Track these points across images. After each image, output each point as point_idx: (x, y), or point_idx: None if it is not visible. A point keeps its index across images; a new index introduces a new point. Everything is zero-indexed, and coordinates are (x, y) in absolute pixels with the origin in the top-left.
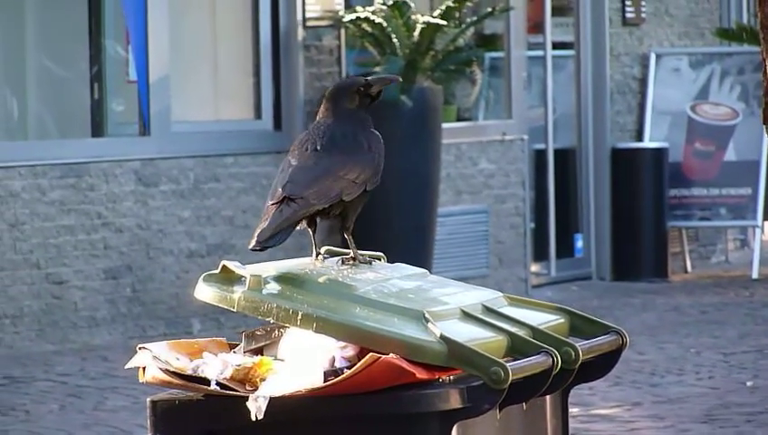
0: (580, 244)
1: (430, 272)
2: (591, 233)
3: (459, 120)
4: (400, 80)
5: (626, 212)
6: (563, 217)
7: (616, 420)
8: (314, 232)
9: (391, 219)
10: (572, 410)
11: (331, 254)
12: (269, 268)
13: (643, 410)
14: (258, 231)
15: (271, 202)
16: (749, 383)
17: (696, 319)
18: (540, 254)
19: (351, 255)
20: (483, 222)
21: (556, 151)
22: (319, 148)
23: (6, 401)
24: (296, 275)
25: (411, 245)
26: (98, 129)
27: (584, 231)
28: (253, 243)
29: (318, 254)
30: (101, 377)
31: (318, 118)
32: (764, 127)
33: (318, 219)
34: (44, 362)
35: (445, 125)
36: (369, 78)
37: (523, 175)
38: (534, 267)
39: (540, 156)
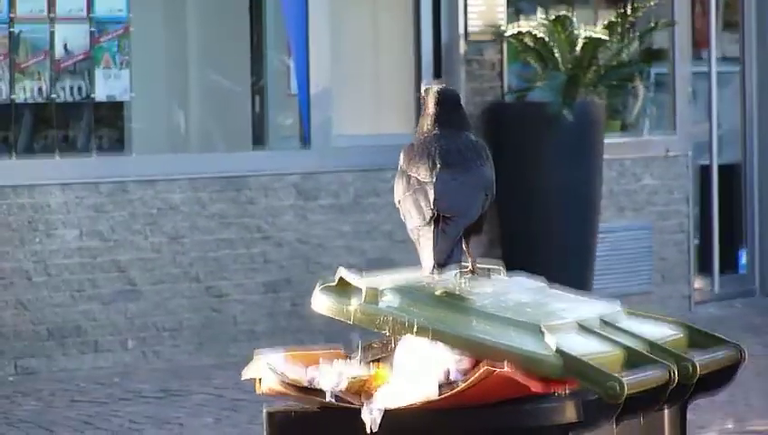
0: (744, 260)
1: (592, 288)
2: (756, 248)
3: (623, 135)
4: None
5: None
6: (728, 233)
7: None
8: (469, 246)
9: (552, 234)
10: (728, 426)
11: (455, 266)
12: (385, 280)
13: None
14: (430, 253)
15: (421, 222)
16: None
17: None
18: (703, 270)
19: (470, 267)
20: (646, 238)
21: (721, 167)
22: (447, 162)
23: (161, 413)
24: (412, 287)
25: (572, 260)
26: (258, 141)
27: (749, 247)
28: (430, 267)
29: (474, 267)
30: None
31: (422, 122)
32: None
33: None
34: (202, 375)
35: (607, 140)
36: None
37: (686, 191)
38: (698, 284)
39: (704, 171)
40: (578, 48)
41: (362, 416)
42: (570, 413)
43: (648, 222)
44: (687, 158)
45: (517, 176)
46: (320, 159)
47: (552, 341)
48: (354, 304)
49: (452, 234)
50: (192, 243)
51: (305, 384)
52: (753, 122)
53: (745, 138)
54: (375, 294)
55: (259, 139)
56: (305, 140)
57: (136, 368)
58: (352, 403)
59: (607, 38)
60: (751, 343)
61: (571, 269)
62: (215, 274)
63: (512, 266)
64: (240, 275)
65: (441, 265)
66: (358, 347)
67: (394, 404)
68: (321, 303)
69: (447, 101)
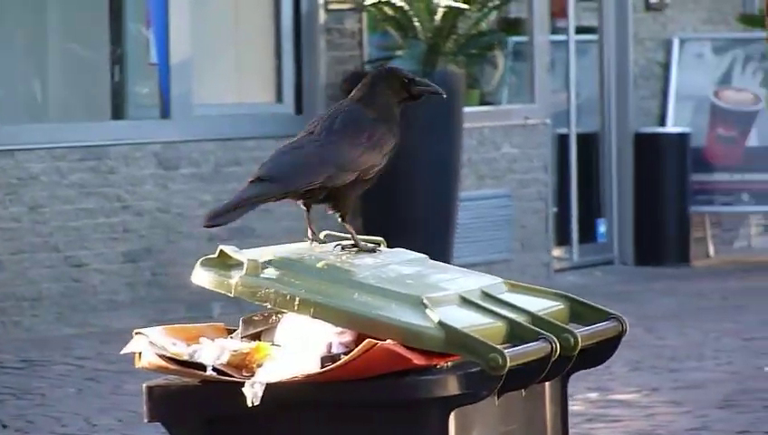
0: (602, 229)
1: (452, 257)
2: (614, 218)
3: (482, 104)
4: (444, 96)
5: (649, 197)
6: (586, 202)
7: (634, 406)
8: (309, 216)
9: (413, 204)
10: (590, 395)
11: (331, 238)
12: (267, 253)
13: (662, 395)
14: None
15: (249, 180)
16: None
17: (718, 304)
18: (562, 238)
19: (351, 241)
20: (505, 206)
21: (579, 136)
22: (321, 131)
23: (23, 384)
24: (294, 260)
25: (433, 229)
26: (118, 111)
27: (607, 216)
28: (204, 221)
29: (315, 239)
30: (120, 361)
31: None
32: None
33: (302, 203)
34: (63, 345)
35: (467, 109)
36: (417, 78)
37: (545, 159)
38: (557, 252)
39: (563, 140)
40: (437, 17)
41: (244, 390)
42: (452, 386)
43: (507, 190)
44: (546, 126)
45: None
46: (180, 128)
47: (433, 313)
48: (235, 276)
49: (247, 194)
50: (52, 212)
51: (186, 358)
52: (610, 92)
53: (603, 107)
54: (256, 267)
55: (119, 108)
56: (165, 109)
57: None
58: (233, 377)
59: (466, 7)
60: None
61: (431, 238)
62: (75, 243)
63: (372, 236)
64: (100, 245)
65: (209, 219)
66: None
67: (276, 378)
68: (202, 276)
69: (377, 78)
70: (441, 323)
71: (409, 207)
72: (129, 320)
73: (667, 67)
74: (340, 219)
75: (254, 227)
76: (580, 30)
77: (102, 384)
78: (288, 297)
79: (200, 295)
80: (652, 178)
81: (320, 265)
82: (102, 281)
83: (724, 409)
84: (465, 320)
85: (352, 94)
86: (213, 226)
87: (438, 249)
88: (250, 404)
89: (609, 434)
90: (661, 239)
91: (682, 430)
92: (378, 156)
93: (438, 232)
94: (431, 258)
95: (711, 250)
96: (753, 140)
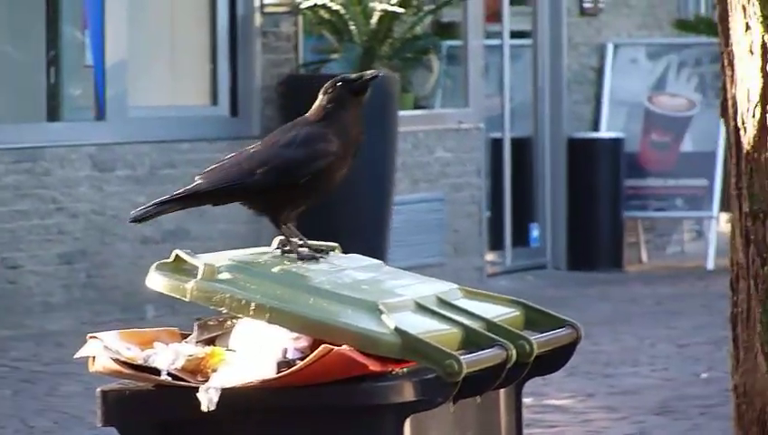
0: (535, 233)
1: (385, 260)
2: (547, 222)
3: (416, 108)
4: (380, 74)
5: (582, 202)
6: (519, 207)
7: (570, 412)
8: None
9: (346, 207)
10: (526, 401)
11: (291, 244)
12: (223, 258)
13: (597, 401)
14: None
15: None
16: (704, 375)
17: (652, 310)
18: (495, 243)
19: (288, 246)
20: (439, 210)
21: (513, 140)
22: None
23: None
24: (250, 264)
25: (367, 233)
26: (53, 113)
27: (540, 220)
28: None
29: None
30: (55, 362)
31: None
32: (722, 120)
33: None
34: None
35: (401, 113)
36: (351, 76)
37: (479, 163)
38: (490, 256)
39: (496, 145)
40: (373, 21)
41: (199, 395)
42: (407, 392)
43: (441, 194)
44: (480, 130)
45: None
46: (115, 130)
47: (389, 319)
48: (191, 281)
49: (173, 193)
50: None
51: (140, 362)
52: (544, 96)
53: (537, 112)
54: (212, 272)
55: (54, 110)
56: (101, 111)
57: None
58: (189, 382)
59: (402, 11)
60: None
61: (366, 241)
62: (10, 245)
63: (306, 239)
64: (35, 247)
65: (133, 215)
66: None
67: (231, 383)
68: (157, 281)
69: (324, 89)
70: (397, 329)
71: (344, 210)
72: (65, 322)
73: (600, 72)
74: (273, 224)
75: (189, 230)
76: (514, 34)
77: (38, 386)
78: (243, 302)
79: (134, 297)
80: (586, 183)
81: (275, 270)
82: (38, 283)
83: (661, 415)
84: (421, 326)
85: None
86: (133, 221)
87: (373, 252)
88: (205, 409)
89: None
90: (594, 244)
91: None
92: (299, 161)
93: (373, 235)
94: (378, 262)
95: (644, 255)
96: (686, 146)
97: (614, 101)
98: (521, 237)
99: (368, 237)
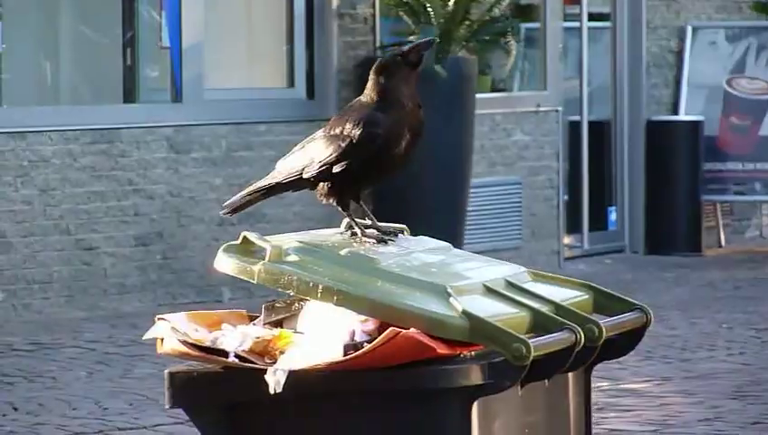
0: (613, 217)
1: (462, 244)
2: (625, 206)
3: (494, 90)
4: (437, 40)
5: (660, 185)
6: (597, 190)
7: (645, 395)
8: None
9: (424, 189)
10: (601, 384)
11: (359, 226)
12: (290, 240)
13: (673, 385)
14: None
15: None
16: None
17: (730, 294)
18: (573, 226)
19: (356, 228)
20: (516, 194)
21: (591, 124)
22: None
23: (34, 367)
24: (317, 247)
25: (444, 215)
26: (130, 95)
27: (618, 204)
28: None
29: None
30: (130, 344)
31: None
32: None
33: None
34: (73, 328)
35: (479, 96)
36: (404, 48)
37: (557, 147)
38: (567, 240)
39: (574, 128)
40: (450, 3)
41: (266, 377)
42: (475, 375)
43: (518, 177)
44: (558, 114)
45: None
46: (192, 112)
47: (457, 303)
48: (258, 263)
49: (255, 185)
50: (63, 195)
51: (208, 344)
52: (623, 80)
53: (615, 95)
54: (279, 254)
55: (130, 91)
56: (177, 93)
57: (6, 320)
58: (256, 364)
59: None
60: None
61: (442, 225)
62: (85, 226)
63: (383, 222)
64: (111, 228)
65: (227, 208)
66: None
67: (298, 365)
68: (225, 263)
69: (377, 69)
70: (465, 313)
71: (421, 193)
72: (140, 304)
73: (679, 55)
74: (339, 209)
75: (265, 212)
76: (592, 17)
77: (113, 368)
78: (311, 284)
79: (211, 280)
80: (664, 167)
81: (343, 252)
82: (113, 264)
83: (737, 399)
84: (489, 309)
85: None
86: (230, 214)
87: (449, 235)
88: (272, 391)
89: (621, 424)
90: (672, 228)
91: (694, 421)
92: (346, 148)
93: (450, 218)
94: (451, 245)
95: (723, 239)
96: (765, 129)
97: (693, 85)
98: (599, 221)
99: (444, 220)
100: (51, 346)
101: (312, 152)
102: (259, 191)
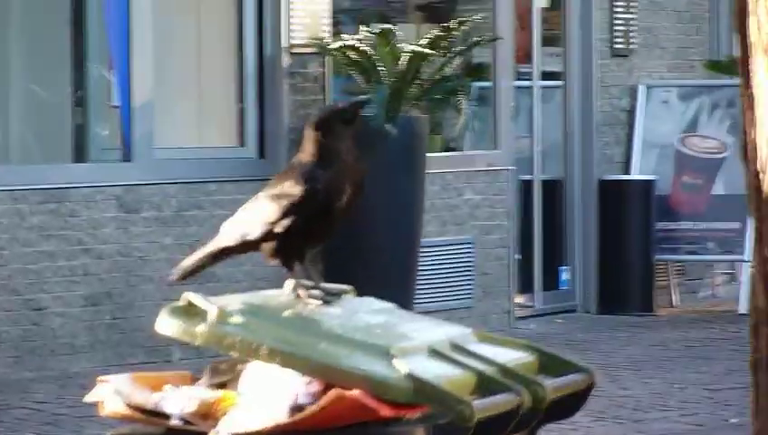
0: (565, 276)
1: (413, 303)
2: (577, 265)
3: (446, 149)
4: (368, 100)
5: (613, 244)
6: (549, 249)
7: None
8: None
9: (375, 249)
10: None
11: (303, 287)
12: (234, 301)
13: None
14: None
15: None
16: (733, 420)
17: (682, 354)
18: (525, 286)
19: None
20: (468, 253)
21: (543, 182)
22: None
23: None
24: (261, 308)
25: (395, 274)
26: (79, 154)
27: (570, 263)
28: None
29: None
30: (79, 405)
31: None
32: (743, 163)
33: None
34: (22, 389)
35: (430, 154)
36: (339, 104)
37: (509, 206)
38: (519, 299)
39: (526, 187)
40: (401, 62)
41: None
42: None
43: (470, 236)
44: (509, 172)
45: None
46: (141, 171)
47: (401, 364)
48: (201, 325)
49: (204, 248)
50: (11, 255)
51: (151, 407)
52: (575, 138)
53: (567, 154)
54: (223, 315)
55: (80, 150)
56: (127, 152)
57: None
58: (199, 426)
59: (431, 52)
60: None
61: (393, 284)
62: (34, 286)
63: (333, 282)
64: (60, 288)
65: (177, 275)
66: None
67: (242, 428)
68: (167, 325)
69: (314, 124)
70: (409, 374)
71: (372, 252)
72: (89, 364)
73: (632, 114)
74: (285, 268)
75: (215, 272)
76: (544, 76)
77: (62, 429)
78: (254, 346)
79: (160, 340)
80: (616, 226)
81: (287, 313)
82: (62, 324)
83: None
84: (434, 371)
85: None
86: (181, 280)
87: (400, 295)
88: None
89: None
90: (625, 287)
91: None
92: (288, 208)
93: (400, 278)
94: (399, 305)
95: (675, 299)
96: (718, 188)
97: (646, 143)
98: (551, 280)
99: (395, 280)
100: None
101: (255, 214)
102: (207, 256)
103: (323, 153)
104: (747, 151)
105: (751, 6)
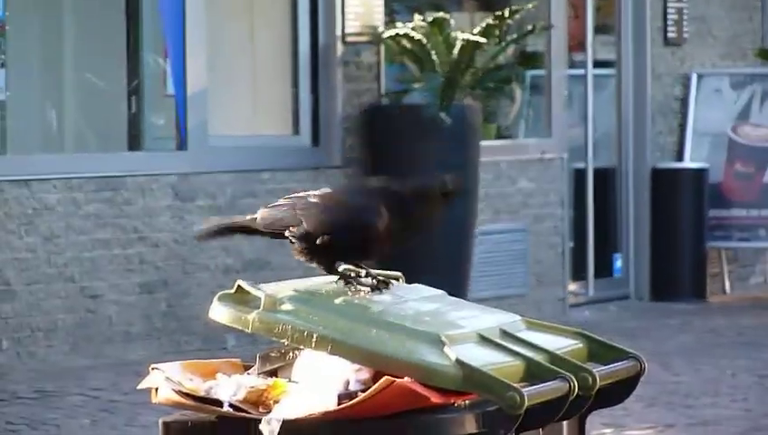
0: (618, 264)
1: (468, 291)
2: (630, 253)
3: (499, 138)
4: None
5: (665, 232)
6: (602, 237)
7: None
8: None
9: (430, 237)
10: (605, 431)
11: (353, 275)
12: (285, 288)
13: (677, 432)
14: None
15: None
16: None
17: (734, 341)
18: (578, 273)
19: (368, 275)
20: (521, 241)
21: (596, 171)
22: None
23: (37, 415)
24: (312, 295)
25: (449, 263)
26: (134, 142)
27: (623, 251)
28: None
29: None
30: (134, 392)
31: None
32: None
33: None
34: (77, 376)
35: (484, 143)
36: (449, 182)
37: (562, 194)
38: (572, 287)
39: (579, 175)
40: (455, 51)
41: (260, 426)
42: (469, 425)
43: (523, 225)
44: (563, 161)
45: (393, 177)
46: (196, 160)
47: (451, 351)
48: (253, 312)
49: (233, 219)
50: (67, 243)
51: (202, 394)
52: (628, 127)
53: (620, 142)
54: (274, 303)
55: (135, 139)
56: (182, 141)
57: (11, 368)
58: (250, 413)
59: (484, 41)
60: (625, 347)
61: (447, 273)
62: (90, 274)
63: (388, 270)
64: (115, 276)
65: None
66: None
67: (293, 415)
68: (219, 312)
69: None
70: (458, 362)
71: (426, 241)
72: (144, 352)
73: (684, 102)
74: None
75: (269, 260)
76: (598, 64)
77: (117, 416)
78: (305, 334)
79: (215, 328)
80: (668, 214)
81: (337, 301)
82: (117, 312)
83: None
84: (483, 358)
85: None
86: (203, 239)
87: (455, 283)
88: None
89: None
90: (677, 275)
91: None
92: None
93: (455, 266)
94: (447, 292)
95: (727, 286)
96: None
97: (698, 132)
98: (604, 268)
99: (450, 268)
100: (55, 394)
101: (300, 216)
102: (235, 227)
103: (402, 207)
104: None
105: None
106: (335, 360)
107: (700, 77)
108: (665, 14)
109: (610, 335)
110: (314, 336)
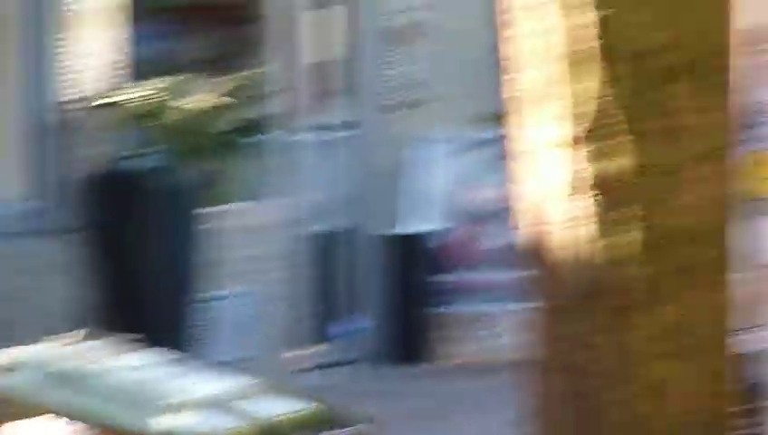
0: (350, 327)
1: (200, 355)
2: (362, 317)
3: (228, 202)
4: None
5: (397, 296)
6: (334, 301)
7: None
8: None
9: (158, 302)
10: None
11: (89, 337)
12: (13, 353)
13: None
14: None
15: None
16: None
17: (459, 405)
18: (310, 337)
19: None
20: (251, 305)
21: (327, 235)
22: None
23: None
24: (32, 361)
25: (179, 328)
26: None
27: (353, 315)
28: None
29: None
30: None
31: None
32: (514, 216)
33: None
34: None
35: (212, 208)
36: None
37: (294, 258)
38: (304, 351)
39: (310, 239)
40: (188, 115)
41: None
42: None
43: (254, 289)
44: (293, 225)
45: (122, 242)
46: None
47: (176, 418)
48: None
49: None
50: None
51: None
52: (357, 191)
53: (349, 206)
54: (2, 370)
55: None
56: None
57: None
58: None
59: (217, 105)
60: (355, 410)
61: (177, 337)
62: None
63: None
64: None
65: None
66: None
67: None
68: None
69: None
70: (184, 428)
71: (154, 306)
72: None
73: (411, 166)
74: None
75: (12, 318)
76: (325, 128)
77: None
78: (32, 404)
79: None
80: (399, 277)
81: (61, 366)
82: None
83: None
84: (211, 423)
85: None
86: None
87: (183, 348)
88: None
89: None
90: (408, 339)
91: None
92: None
93: (184, 331)
94: (180, 358)
95: (453, 350)
96: (494, 239)
97: (422, 196)
98: (335, 332)
99: (181, 334)
100: None
101: None
102: None
103: None
104: (517, 204)
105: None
106: (55, 425)
107: (424, 141)
108: (387, 78)
109: (341, 399)
110: (41, 408)
